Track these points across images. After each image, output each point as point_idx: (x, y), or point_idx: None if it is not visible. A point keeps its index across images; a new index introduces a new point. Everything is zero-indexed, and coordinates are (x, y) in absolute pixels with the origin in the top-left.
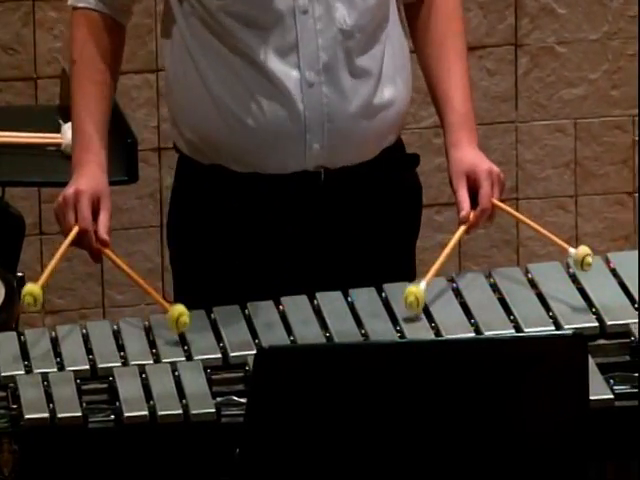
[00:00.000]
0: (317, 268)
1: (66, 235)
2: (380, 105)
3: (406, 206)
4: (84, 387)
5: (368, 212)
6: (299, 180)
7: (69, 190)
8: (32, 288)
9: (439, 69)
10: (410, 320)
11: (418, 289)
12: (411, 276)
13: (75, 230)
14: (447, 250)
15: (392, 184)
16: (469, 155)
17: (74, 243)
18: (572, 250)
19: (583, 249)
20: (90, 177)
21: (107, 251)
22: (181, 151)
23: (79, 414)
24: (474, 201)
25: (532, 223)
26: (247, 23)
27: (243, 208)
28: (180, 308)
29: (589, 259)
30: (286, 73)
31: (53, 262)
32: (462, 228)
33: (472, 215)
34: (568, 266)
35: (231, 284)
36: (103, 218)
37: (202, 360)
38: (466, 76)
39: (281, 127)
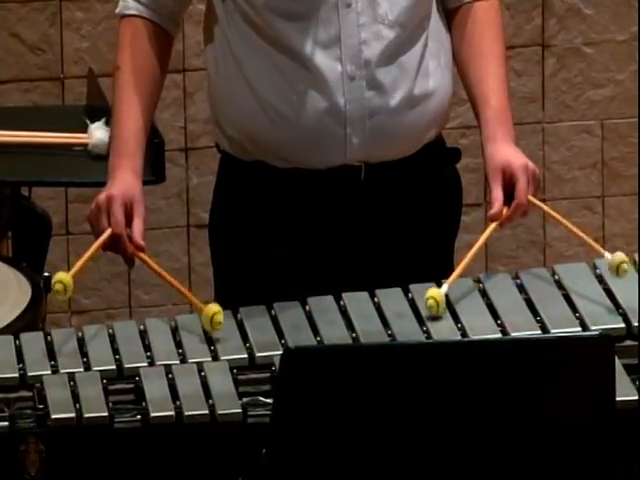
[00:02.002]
0: (358, 263)
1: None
2: (421, 95)
3: (447, 201)
4: (110, 387)
5: (409, 207)
6: (340, 175)
7: (102, 196)
8: (63, 276)
9: (477, 70)
10: (436, 320)
11: (438, 292)
12: (449, 274)
13: (108, 232)
14: (476, 248)
15: (433, 179)
16: (505, 150)
17: (107, 248)
18: (608, 256)
19: (619, 256)
20: (123, 182)
21: (142, 255)
22: (223, 150)
23: (105, 414)
24: (509, 196)
25: (568, 223)
26: (290, 17)
27: (285, 204)
28: (214, 307)
29: (625, 266)
30: (328, 66)
31: (85, 256)
32: (492, 225)
33: (506, 210)
34: (595, 267)
35: (275, 279)
36: (138, 223)
37: (228, 360)
38: (504, 77)
39: (321, 120)
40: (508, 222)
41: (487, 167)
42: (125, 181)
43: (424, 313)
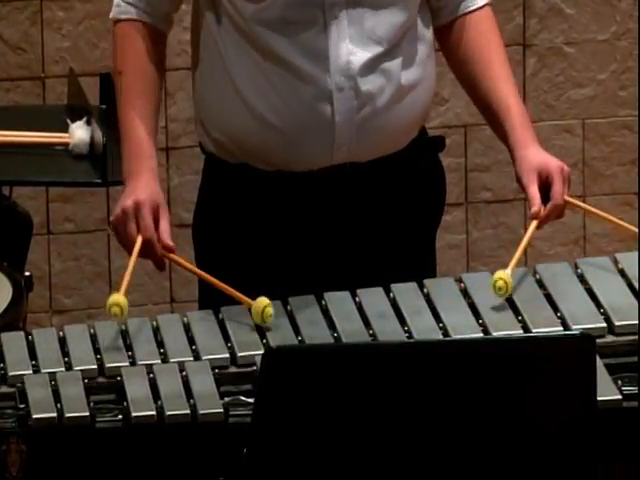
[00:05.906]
0: (343, 261)
1: (129, 246)
2: (408, 86)
3: (431, 190)
4: (92, 387)
5: (394, 200)
6: (325, 176)
7: (127, 202)
8: (118, 298)
9: (487, 78)
10: (418, 319)
11: (506, 274)
12: (432, 270)
13: (139, 240)
14: (523, 244)
15: (418, 169)
16: (538, 153)
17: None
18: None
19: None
20: (147, 186)
21: (172, 256)
22: (208, 151)
23: (87, 414)
24: (544, 197)
25: (606, 214)
26: (278, 28)
27: (269, 206)
28: (264, 301)
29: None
30: (317, 77)
31: (129, 269)
32: (534, 223)
33: (543, 210)
34: (576, 267)
35: (259, 281)
36: (164, 224)
37: (210, 360)
38: (514, 82)
39: (309, 128)
40: (546, 222)
41: (520, 170)
42: (149, 184)
43: (406, 313)
